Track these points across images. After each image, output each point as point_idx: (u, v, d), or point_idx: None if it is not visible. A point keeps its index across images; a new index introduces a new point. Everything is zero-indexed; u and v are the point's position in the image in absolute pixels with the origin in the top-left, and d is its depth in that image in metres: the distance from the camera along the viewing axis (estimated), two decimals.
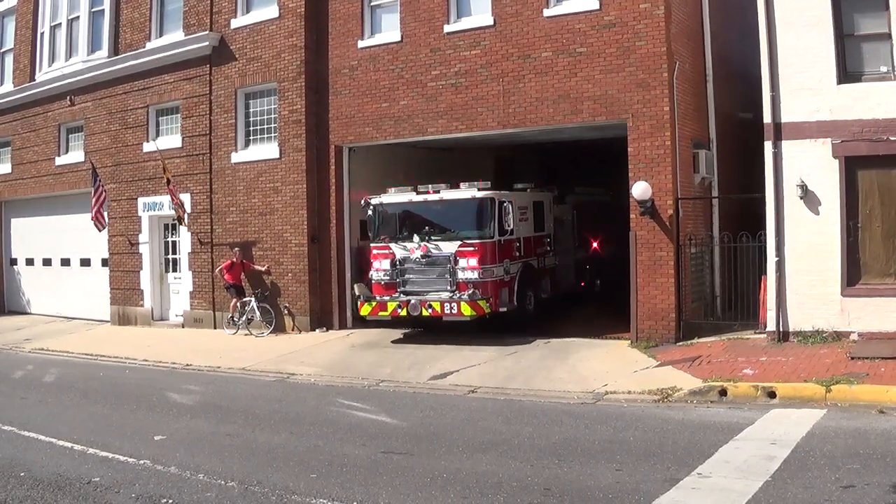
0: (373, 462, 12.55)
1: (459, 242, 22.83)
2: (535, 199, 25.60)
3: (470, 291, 22.36)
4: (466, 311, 22.19)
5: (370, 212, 24.34)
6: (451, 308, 22.39)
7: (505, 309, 23.23)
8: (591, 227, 28.77)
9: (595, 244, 28.99)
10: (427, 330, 24.34)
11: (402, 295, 23.31)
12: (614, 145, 22.62)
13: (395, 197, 24.13)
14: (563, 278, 27.38)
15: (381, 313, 23.41)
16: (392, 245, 23.75)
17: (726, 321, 21.27)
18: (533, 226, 25.18)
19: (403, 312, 23.06)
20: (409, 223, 24.00)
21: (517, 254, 23.99)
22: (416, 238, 23.29)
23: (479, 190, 23.01)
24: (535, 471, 11.72)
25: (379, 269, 23.90)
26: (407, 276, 23.48)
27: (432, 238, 23.29)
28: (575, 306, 27.23)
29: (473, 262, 22.56)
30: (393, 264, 23.60)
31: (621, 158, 21.45)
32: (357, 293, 24.85)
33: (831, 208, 19.05)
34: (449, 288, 22.87)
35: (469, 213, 23.14)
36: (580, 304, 27.79)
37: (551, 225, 26.51)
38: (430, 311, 22.74)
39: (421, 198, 23.73)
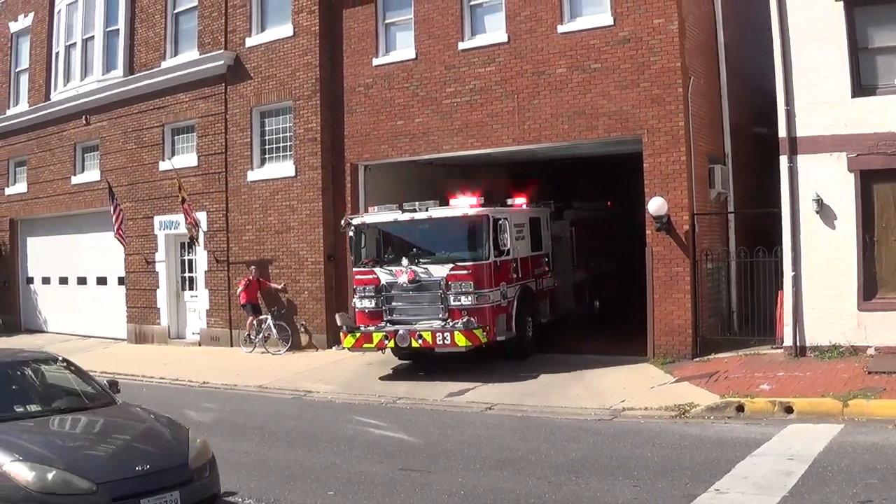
0: (390, 479, 12.57)
1: (451, 265, 20.70)
2: (532, 216, 23.88)
3: (464, 319, 20.20)
4: (461, 341, 20.07)
5: (351, 233, 22.54)
6: (444, 339, 20.26)
7: (503, 338, 21.25)
8: (589, 243, 27.23)
9: (594, 262, 27.50)
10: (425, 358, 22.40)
11: (388, 324, 21.28)
12: (630, 160, 22.25)
13: (379, 216, 22.21)
14: (561, 300, 25.50)
15: (365, 345, 21.43)
16: (376, 269, 21.65)
17: (743, 336, 21.22)
18: (530, 244, 23.33)
19: (391, 344, 21.16)
20: (395, 245, 22.14)
21: (514, 276, 22.00)
22: (403, 261, 21.19)
23: (471, 207, 21.13)
24: (552, 487, 11.72)
25: (362, 295, 21.85)
26: (394, 303, 21.38)
27: (421, 261, 21.16)
28: (576, 329, 26.06)
29: (467, 286, 20.49)
30: (378, 290, 21.51)
31: (637, 173, 21.44)
32: (339, 323, 22.58)
33: (847, 222, 18.98)
34: (441, 316, 20.70)
35: (461, 232, 21.29)
36: (581, 326, 26.53)
37: (549, 243, 24.83)
38: (420, 341, 20.55)
39: (407, 216, 21.61)
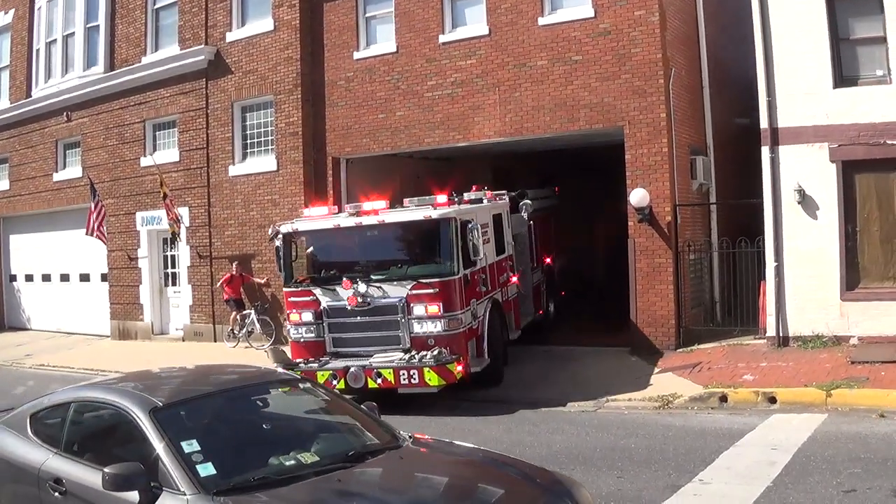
0: None
1: (413, 283, 17.00)
2: (494, 212, 20.36)
3: (435, 352, 16.65)
4: (433, 380, 16.37)
5: (279, 243, 18.73)
6: (411, 377, 16.44)
7: (478, 368, 17.53)
8: (546, 239, 24.72)
9: (549, 260, 24.93)
10: None
11: (332, 359, 17.52)
12: (614, 152, 22.09)
13: (317, 222, 18.51)
14: (524, 309, 22.18)
15: None
16: (316, 290, 17.87)
17: (726, 327, 21.21)
18: (495, 247, 19.80)
19: (340, 385, 16.72)
20: (339, 258, 18.57)
21: (483, 289, 18.37)
22: (349, 279, 17.40)
23: (434, 207, 17.64)
24: None
25: (298, 322, 17.98)
26: (340, 332, 17.67)
27: (373, 278, 17.33)
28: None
29: (434, 308, 16.81)
30: (318, 316, 17.73)
31: (614, 163, 21.44)
32: (272, 360, 19.39)
33: (829, 213, 19.02)
34: (401, 346, 17.12)
35: (423, 241, 17.87)
36: (541, 334, 23.42)
37: (511, 243, 21.52)
38: (379, 381, 16.67)
39: (353, 222, 17.83)
